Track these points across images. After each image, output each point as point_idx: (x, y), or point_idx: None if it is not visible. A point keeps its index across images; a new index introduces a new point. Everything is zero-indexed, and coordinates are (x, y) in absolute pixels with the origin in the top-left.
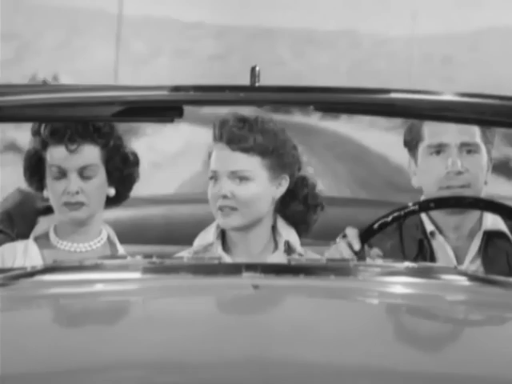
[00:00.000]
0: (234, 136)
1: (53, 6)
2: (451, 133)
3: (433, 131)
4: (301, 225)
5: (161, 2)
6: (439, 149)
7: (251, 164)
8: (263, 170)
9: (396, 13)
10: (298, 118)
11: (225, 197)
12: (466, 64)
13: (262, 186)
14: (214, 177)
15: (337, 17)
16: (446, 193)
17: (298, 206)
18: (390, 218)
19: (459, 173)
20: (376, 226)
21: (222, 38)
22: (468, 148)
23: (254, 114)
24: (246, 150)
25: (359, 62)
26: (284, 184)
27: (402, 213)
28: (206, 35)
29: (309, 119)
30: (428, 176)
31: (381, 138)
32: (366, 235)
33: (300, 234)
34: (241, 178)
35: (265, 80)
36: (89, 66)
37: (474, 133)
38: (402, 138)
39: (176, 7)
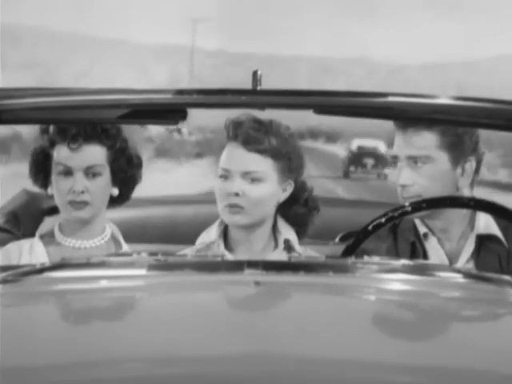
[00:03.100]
0: (250, 137)
1: (76, 35)
2: (400, 145)
3: (396, 142)
4: (301, 226)
5: (182, 31)
6: (394, 160)
7: (264, 165)
8: (274, 173)
9: (412, 42)
10: (308, 142)
11: (236, 194)
12: (480, 89)
13: (271, 188)
14: (225, 175)
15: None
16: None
17: (299, 208)
18: (383, 220)
19: (404, 185)
20: (370, 227)
21: (242, 66)
22: (415, 160)
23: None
24: (260, 152)
25: (375, 89)
26: (289, 189)
27: (396, 214)
28: (225, 63)
29: (316, 143)
30: (398, 184)
31: None
32: (362, 237)
33: (298, 234)
34: (253, 178)
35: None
36: None
37: (425, 144)
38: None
39: (197, 36)
